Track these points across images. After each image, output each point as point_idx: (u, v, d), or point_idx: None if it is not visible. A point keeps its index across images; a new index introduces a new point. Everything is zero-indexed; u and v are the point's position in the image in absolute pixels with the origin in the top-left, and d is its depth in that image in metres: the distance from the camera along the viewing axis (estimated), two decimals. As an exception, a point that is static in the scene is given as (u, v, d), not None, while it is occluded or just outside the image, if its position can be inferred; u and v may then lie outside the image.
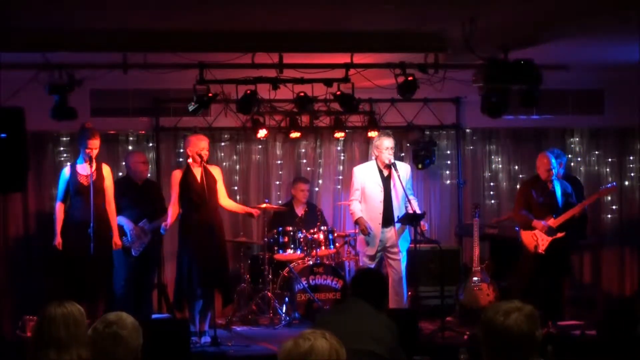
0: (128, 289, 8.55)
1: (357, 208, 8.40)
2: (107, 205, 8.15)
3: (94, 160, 7.98)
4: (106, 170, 8.22)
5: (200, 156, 8.14)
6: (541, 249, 8.54)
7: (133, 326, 3.53)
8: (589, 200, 8.61)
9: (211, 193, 8.14)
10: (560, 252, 8.56)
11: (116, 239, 8.22)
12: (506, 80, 7.70)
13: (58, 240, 7.98)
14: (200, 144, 8.20)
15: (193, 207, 8.15)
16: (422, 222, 8.24)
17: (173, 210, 8.21)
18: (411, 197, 8.35)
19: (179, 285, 8.25)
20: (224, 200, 8.41)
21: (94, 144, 7.98)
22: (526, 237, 8.66)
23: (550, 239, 8.50)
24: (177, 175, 8.29)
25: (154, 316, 8.84)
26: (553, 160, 8.59)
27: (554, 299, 8.65)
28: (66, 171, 8.14)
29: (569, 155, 10.41)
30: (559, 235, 8.49)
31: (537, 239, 8.56)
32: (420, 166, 10.19)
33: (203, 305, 8.27)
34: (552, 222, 8.51)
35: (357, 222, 8.44)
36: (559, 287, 8.79)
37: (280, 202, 10.27)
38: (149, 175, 9.25)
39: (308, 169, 10.48)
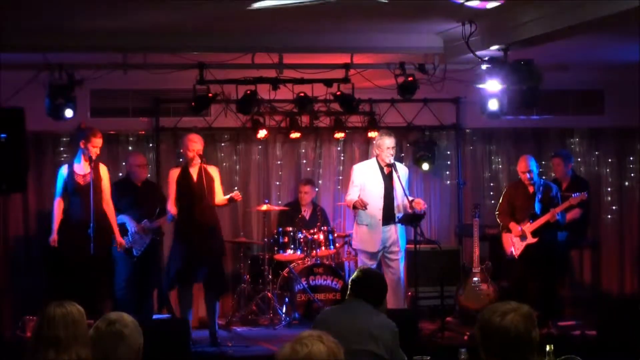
0: (129, 289, 8.55)
1: (355, 194, 8.21)
2: (105, 205, 8.15)
3: (93, 160, 7.97)
4: (103, 169, 8.21)
5: (201, 156, 8.13)
6: (516, 253, 8.56)
7: (134, 325, 3.55)
8: (560, 207, 8.55)
9: (209, 192, 8.12)
10: (537, 257, 8.52)
11: (119, 239, 8.24)
12: (506, 80, 7.70)
13: (54, 237, 7.99)
14: (197, 146, 8.17)
15: (188, 206, 8.14)
16: (421, 202, 8.21)
17: (171, 208, 8.18)
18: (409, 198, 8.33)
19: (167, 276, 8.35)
20: (217, 198, 8.28)
21: (97, 142, 7.98)
22: (505, 240, 8.71)
23: (524, 244, 8.50)
24: (174, 174, 8.25)
25: (154, 316, 8.84)
26: (531, 163, 8.55)
27: (548, 300, 8.62)
28: (64, 170, 8.12)
29: (569, 156, 10.42)
30: (533, 240, 8.48)
31: (513, 243, 8.59)
32: (428, 167, 10.21)
33: (207, 305, 8.35)
34: (527, 227, 8.51)
35: (354, 205, 8.18)
36: (551, 288, 8.75)
37: (280, 202, 10.27)
38: (148, 175, 9.23)
39: (308, 169, 10.47)
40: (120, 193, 8.57)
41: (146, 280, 8.84)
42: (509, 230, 8.65)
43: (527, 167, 8.52)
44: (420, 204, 8.15)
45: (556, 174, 9.42)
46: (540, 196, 8.56)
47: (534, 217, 8.50)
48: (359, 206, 8.16)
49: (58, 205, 8.08)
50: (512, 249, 8.59)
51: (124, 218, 8.50)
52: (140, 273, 8.72)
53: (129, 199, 8.63)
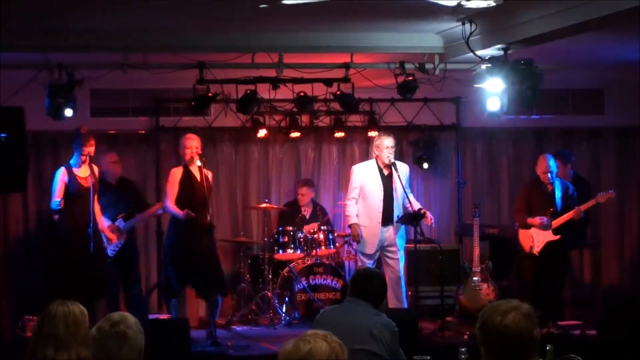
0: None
1: (354, 213, 8.36)
2: (98, 204, 8.24)
3: (90, 160, 7.99)
4: (96, 170, 8.23)
5: (201, 155, 8.11)
6: (536, 250, 8.55)
7: (137, 326, 3.56)
8: (586, 205, 8.60)
9: (209, 193, 8.17)
10: (556, 254, 8.55)
11: (109, 235, 8.37)
12: (506, 80, 7.71)
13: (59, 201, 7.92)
14: (194, 142, 8.17)
15: (194, 207, 8.11)
16: (428, 216, 8.26)
17: (171, 207, 8.14)
18: (410, 196, 8.34)
19: (167, 282, 8.32)
20: None
21: (90, 150, 7.99)
22: (523, 237, 8.69)
23: (545, 241, 8.51)
24: (177, 173, 8.19)
25: (153, 316, 8.83)
26: (551, 163, 8.59)
27: (555, 299, 8.67)
28: (63, 174, 8.06)
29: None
30: (554, 238, 8.50)
31: (532, 239, 8.58)
32: (428, 167, 10.23)
33: (208, 306, 8.35)
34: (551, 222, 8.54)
35: (350, 227, 8.47)
36: (560, 287, 8.80)
37: (280, 202, 10.26)
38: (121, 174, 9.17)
39: (308, 169, 10.48)
40: (98, 193, 8.57)
41: (128, 278, 8.83)
42: (526, 227, 8.65)
43: (548, 167, 8.58)
44: (428, 220, 8.33)
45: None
46: (561, 194, 8.60)
47: (555, 214, 8.52)
48: (354, 239, 8.39)
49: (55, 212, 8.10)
50: (532, 246, 8.59)
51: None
52: (120, 271, 8.71)
53: (104, 199, 8.59)
